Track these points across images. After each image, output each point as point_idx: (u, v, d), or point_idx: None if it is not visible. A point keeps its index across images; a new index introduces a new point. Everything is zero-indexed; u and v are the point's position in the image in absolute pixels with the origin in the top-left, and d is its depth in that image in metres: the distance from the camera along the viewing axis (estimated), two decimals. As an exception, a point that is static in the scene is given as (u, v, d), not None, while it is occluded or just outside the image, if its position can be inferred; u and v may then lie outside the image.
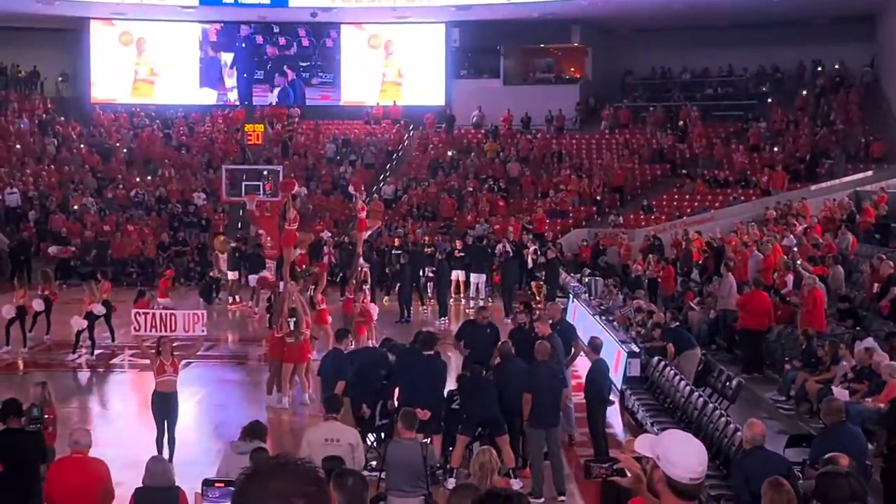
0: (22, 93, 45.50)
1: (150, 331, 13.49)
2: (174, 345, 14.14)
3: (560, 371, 13.99)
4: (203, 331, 13.76)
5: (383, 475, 10.83)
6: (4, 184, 34.66)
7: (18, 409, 10.66)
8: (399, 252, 29.08)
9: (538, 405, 12.99)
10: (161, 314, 13.48)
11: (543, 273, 29.08)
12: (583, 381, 15.09)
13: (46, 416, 11.56)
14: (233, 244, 31.12)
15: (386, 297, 29.25)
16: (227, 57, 46.67)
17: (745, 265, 23.73)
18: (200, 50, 46.57)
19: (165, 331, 13.45)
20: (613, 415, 16.36)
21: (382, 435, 13.96)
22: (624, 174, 38.65)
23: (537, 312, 18.47)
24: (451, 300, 28.74)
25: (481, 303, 27.21)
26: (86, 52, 45.94)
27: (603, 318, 21.15)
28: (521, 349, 14.26)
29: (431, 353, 13.74)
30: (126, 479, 11.08)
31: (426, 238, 33.23)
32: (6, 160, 37.66)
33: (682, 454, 4.45)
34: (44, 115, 44.10)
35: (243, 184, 29.40)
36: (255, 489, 3.09)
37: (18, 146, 40.95)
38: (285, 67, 46.31)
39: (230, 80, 46.73)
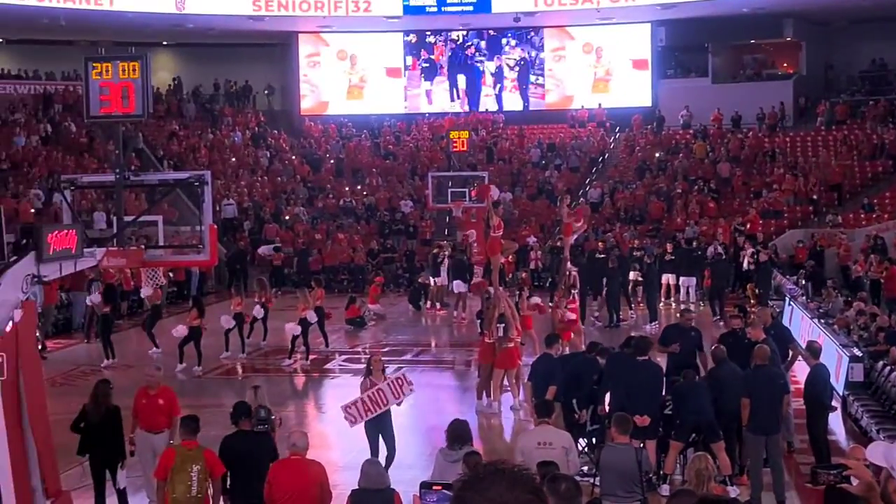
0: (235, 107, 47.34)
1: (366, 415, 13.30)
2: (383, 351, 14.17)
3: (781, 375, 13.55)
4: (410, 391, 13.53)
5: (597, 480, 10.70)
6: (221, 196, 35.98)
7: (248, 411, 11.06)
8: (605, 256, 28.74)
9: (757, 410, 12.58)
10: (367, 397, 13.26)
11: (755, 276, 28.25)
12: (801, 386, 14.59)
13: (273, 418, 11.86)
14: (434, 250, 31.44)
15: (594, 302, 28.94)
16: (436, 68, 47.26)
17: (977, 264, 22.50)
18: (407, 61, 47.33)
19: (377, 409, 13.22)
20: (835, 421, 15.76)
21: (594, 440, 13.82)
22: (842, 171, 37.15)
23: (751, 316, 17.94)
24: (661, 304, 28.23)
25: (692, 307, 26.62)
26: (294, 65, 47.41)
27: (822, 321, 20.42)
28: (732, 354, 13.90)
29: (646, 358, 13.51)
30: (342, 481, 11.32)
31: (634, 242, 32.77)
32: (222, 173, 39.11)
33: (922, 465, 4.18)
34: (256, 129, 45.72)
35: (449, 190, 29.62)
36: (473, 496, 3.04)
37: (233, 159, 42.56)
38: (492, 75, 46.60)
39: (439, 90, 47.29)
